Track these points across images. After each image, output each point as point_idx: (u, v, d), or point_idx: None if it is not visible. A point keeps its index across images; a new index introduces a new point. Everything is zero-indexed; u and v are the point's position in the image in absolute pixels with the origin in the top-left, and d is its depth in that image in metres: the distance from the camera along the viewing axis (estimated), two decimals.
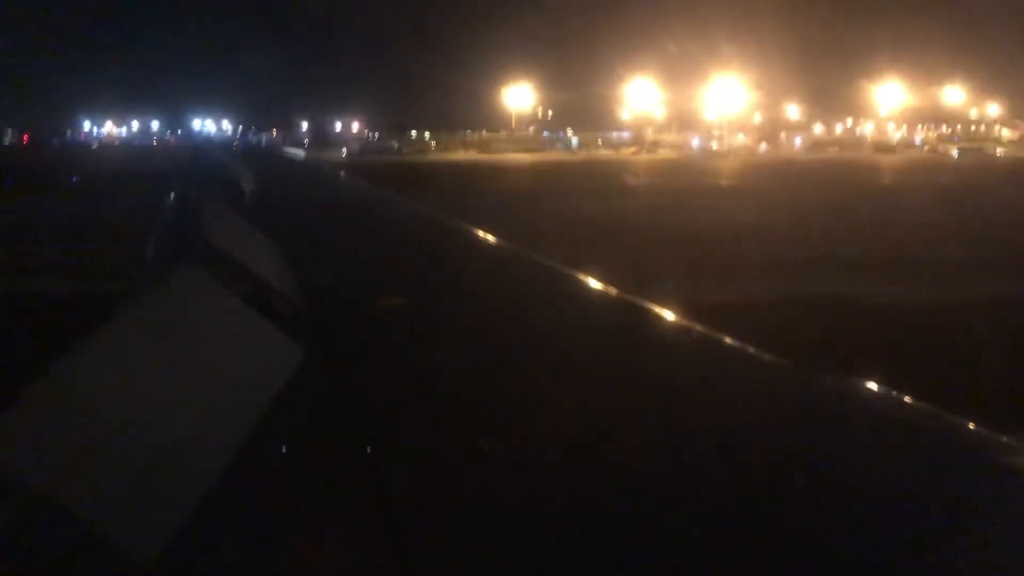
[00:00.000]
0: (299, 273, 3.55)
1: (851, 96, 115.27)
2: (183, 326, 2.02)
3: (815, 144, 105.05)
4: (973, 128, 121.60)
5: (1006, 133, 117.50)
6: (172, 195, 6.26)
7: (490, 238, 5.24)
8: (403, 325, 3.03)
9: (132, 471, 1.52)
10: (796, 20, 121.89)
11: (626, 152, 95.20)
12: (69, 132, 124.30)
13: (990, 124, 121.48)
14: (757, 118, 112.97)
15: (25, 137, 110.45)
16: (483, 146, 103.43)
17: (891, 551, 1.38)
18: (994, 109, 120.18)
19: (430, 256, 4.97)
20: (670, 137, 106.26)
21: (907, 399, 2.14)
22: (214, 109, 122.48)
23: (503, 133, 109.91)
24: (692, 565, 1.36)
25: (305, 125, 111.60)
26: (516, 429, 1.96)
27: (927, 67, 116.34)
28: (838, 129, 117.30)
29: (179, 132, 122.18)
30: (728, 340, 2.74)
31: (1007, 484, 1.69)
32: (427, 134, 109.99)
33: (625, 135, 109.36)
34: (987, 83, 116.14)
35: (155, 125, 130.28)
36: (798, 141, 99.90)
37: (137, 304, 2.38)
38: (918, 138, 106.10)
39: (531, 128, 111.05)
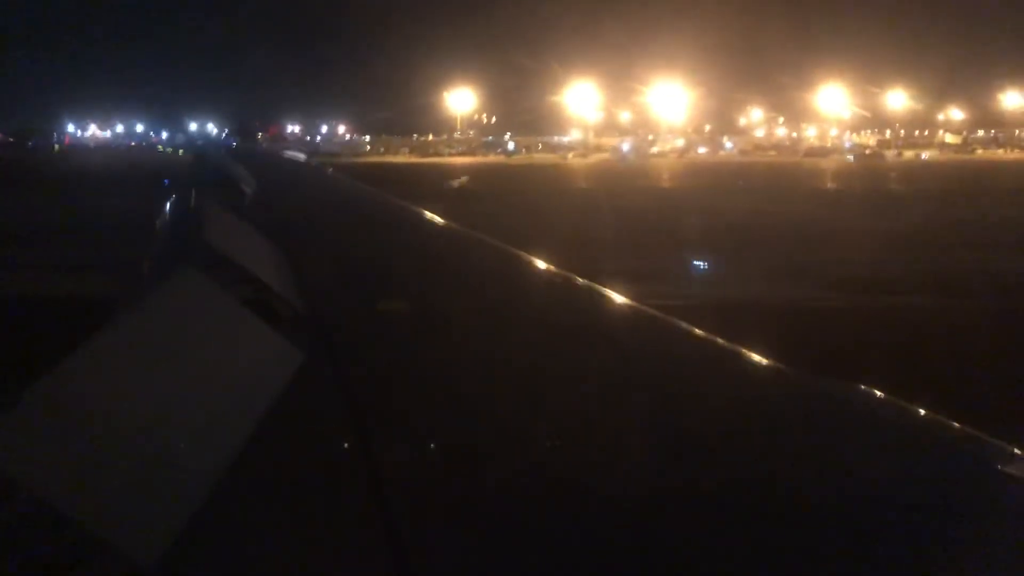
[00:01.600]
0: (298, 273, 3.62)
1: (799, 102, 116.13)
2: (183, 328, 2.03)
3: (756, 148, 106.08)
4: (917, 133, 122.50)
5: (949, 138, 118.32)
6: (172, 197, 6.27)
7: (493, 241, 5.10)
8: (404, 327, 3.00)
9: (132, 474, 1.53)
10: (745, 26, 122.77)
11: (560, 156, 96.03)
12: (56, 134, 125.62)
13: (934, 129, 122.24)
14: (707, 123, 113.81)
15: None
16: (423, 149, 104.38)
17: (883, 554, 1.39)
18: (957, 114, 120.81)
19: (423, 255, 4.94)
20: (612, 141, 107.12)
21: (896, 401, 2.14)
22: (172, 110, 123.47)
23: (443, 137, 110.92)
24: (685, 562, 1.38)
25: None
26: (519, 430, 1.97)
27: (876, 73, 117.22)
28: (781, 133, 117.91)
29: (162, 135, 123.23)
30: (706, 335, 2.79)
31: (1005, 491, 1.69)
32: (367, 137, 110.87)
33: (566, 140, 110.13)
34: (936, 90, 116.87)
35: (139, 128, 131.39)
36: (729, 145, 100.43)
37: (137, 306, 2.42)
38: (848, 143, 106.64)
39: (471, 132, 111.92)
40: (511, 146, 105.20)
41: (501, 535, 1.46)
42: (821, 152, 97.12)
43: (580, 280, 3.75)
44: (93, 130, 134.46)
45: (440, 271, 4.29)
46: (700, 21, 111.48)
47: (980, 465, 1.80)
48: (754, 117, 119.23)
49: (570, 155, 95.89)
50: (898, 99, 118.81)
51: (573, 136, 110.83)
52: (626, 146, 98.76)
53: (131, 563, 1.34)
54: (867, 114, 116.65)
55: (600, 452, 1.83)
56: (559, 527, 1.47)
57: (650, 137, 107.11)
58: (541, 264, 4.26)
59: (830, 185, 51.22)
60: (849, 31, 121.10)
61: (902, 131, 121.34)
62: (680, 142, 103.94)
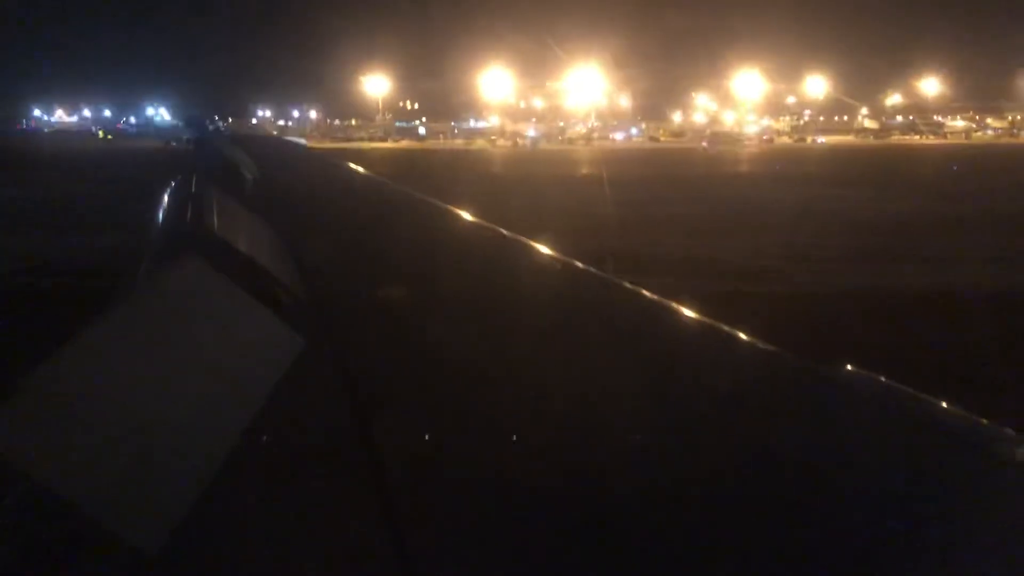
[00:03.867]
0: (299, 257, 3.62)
1: (721, 88, 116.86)
2: (182, 315, 2.02)
3: (670, 134, 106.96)
4: (837, 118, 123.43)
5: (868, 124, 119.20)
6: (172, 183, 6.15)
7: (494, 226, 5.01)
8: (406, 313, 3.01)
9: (132, 462, 1.52)
10: (669, 14, 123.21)
11: (467, 143, 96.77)
12: (24, 120, 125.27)
13: (854, 115, 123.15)
14: (628, 110, 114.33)
15: None
16: (333, 134, 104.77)
17: (880, 539, 1.40)
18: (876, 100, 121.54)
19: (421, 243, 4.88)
20: (544, 128, 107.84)
21: (891, 383, 2.14)
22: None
23: (355, 122, 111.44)
24: (682, 547, 1.40)
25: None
26: (520, 414, 1.99)
27: (800, 60, 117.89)
28: (700, 119, 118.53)
29: (130, 119, 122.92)
30: (699, 317, 2.81)
31: (1001, 473, 1.69)
32: (282, 121, 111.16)
33: (482, 125, 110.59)
34: (858, 77, 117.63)
35: (107, 113, 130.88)
36: (635, 131, 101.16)
37: (136, 293, 2.42)
38: (755, 128, 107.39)
39: (387, 116, 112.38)
40: (422, 131, 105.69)
41: (501, 520, 1.47)
42: (725, 139, 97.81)
43: (579, 264, 3.75)
44: (60, 115, 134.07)
45: (441, 256, 4.29)
46: (623, 8, 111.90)
47: (976, 448, 1.80)
48: (674, 104, 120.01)
49: (481, 141, 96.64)
50: (819, 86, 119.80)
51: (492, 122, 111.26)
52: (532, 132, 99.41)
53: (132, 550, 1.34)
54: (786, 101, 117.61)
55: (600, 438, 1.84)
56: (559, 510, 1.49)
57: (561, 124, 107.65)
58: (540, 249, 4.22)
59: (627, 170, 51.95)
60: (775, 18, 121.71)
61: (821, 117, 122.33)
62: (581, 128, 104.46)
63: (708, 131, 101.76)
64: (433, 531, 1.44)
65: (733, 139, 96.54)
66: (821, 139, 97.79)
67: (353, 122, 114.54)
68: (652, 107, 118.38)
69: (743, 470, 1.67)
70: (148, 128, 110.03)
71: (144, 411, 1.64)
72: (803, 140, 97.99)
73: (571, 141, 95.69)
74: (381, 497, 1.56)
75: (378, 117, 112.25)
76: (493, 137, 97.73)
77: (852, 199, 30.37)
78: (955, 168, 51.17)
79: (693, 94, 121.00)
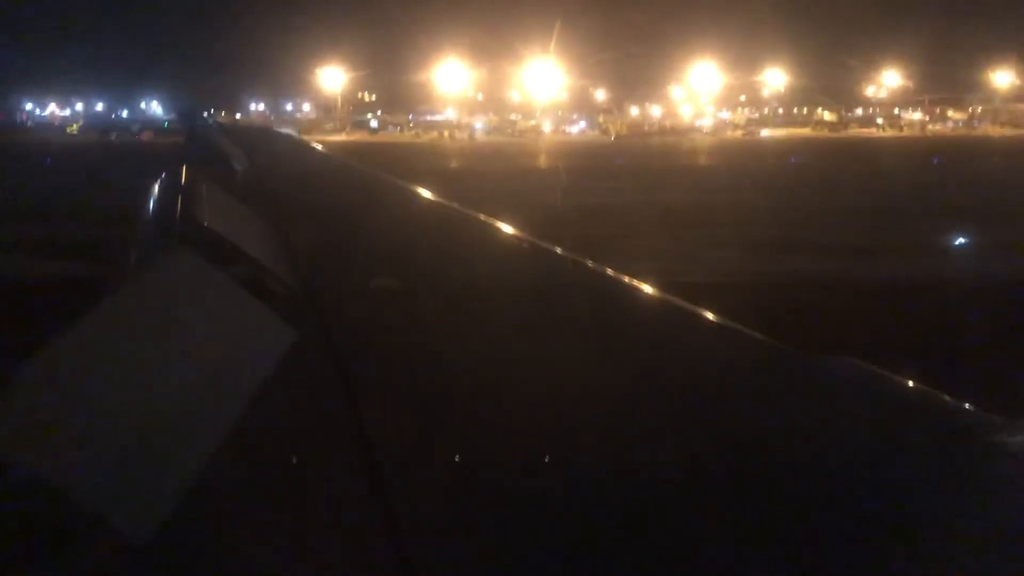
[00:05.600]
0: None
1: (675, 81, 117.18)
2: (174, 307, 2.01)
3: (628, 126, 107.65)
4: (796, 111, 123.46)
5: (827, 116, 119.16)
6: (163, 174, 6.20)
7: (488, 220, 5.03)
8: (399, 304, 2.99)
9: (125, 453, 1.51)
10: (624, 5, 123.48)
11: (414, 135, 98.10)
12: (18, 113, 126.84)
13: (812, 107, 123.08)
14: (587, 102, 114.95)
15: None
16: (292, 127, 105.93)
17: (867, 523, 1.41)
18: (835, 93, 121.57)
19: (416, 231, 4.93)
20: (492, 120, 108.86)
21: (882, 372, 2.15)
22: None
23: (313, 115, 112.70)
24: (675, 537, 1.39)
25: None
26: (513, 404, 1.98)
27: (759, 53, 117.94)
28: (657, 112, 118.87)
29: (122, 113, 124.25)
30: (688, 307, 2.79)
31: (988, 459, 1.69)
32: (238, 114, 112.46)
33: (439, 118, 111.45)
34: (817, 71, 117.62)
35: (99, 107, 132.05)
36: (583, 124, 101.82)
37: (129, 285, 2.41)
38: (701, 121, 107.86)
39: (349, 108, 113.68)
40: (374, 124, 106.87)
41: (494, 509, 1.47)
42: (672, 131, 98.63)
43: (573, 256, 3.76)
44: (52, 109, 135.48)
45: (433, 247, 4.28)
46: (587, 1, 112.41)
47: (964, 434, 1.80)
48: (638, 97, 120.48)
49: (435, 134, 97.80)
50: (778, 79, 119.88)
51: (448, 115, 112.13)
52: (479, 124, 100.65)
53: (125, 540, 1.33)
54: (754, 93, 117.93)
55: (594, 428, 1.84)
56: (551, 500, 1.49)
57: (512, 116, 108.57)
58: (533, 240, 4.23)
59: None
60: (739, 12, 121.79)
61: (780, 110, 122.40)
62: (533, 122, 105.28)
63: (658, 124, 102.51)
64: (426, 520, 1.44)
65: (656, 133, 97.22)
66: (765, 132, 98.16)
67: (302, 112, 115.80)
68: (613, 100, 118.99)
69: (732, 457, 1.68)
70: (116, 122, 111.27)
71: (136, 403, 1.64)
72: (751, 134, 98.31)
73: (521, 134, 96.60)
74: (374, 487, 1.56)
75: (337, 110, 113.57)
76: (447, 131, 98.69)
77: (593, 190, 31.61)
78: (792, 160, 52.85)
79: (656, 88, 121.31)
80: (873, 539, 1.37)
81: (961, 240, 20.33)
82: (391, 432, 1.80)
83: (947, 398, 2.00)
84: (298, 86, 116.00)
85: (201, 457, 1.54)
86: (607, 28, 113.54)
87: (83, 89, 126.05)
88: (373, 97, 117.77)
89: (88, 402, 1.58)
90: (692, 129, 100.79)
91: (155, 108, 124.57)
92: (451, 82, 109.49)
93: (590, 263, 3.64)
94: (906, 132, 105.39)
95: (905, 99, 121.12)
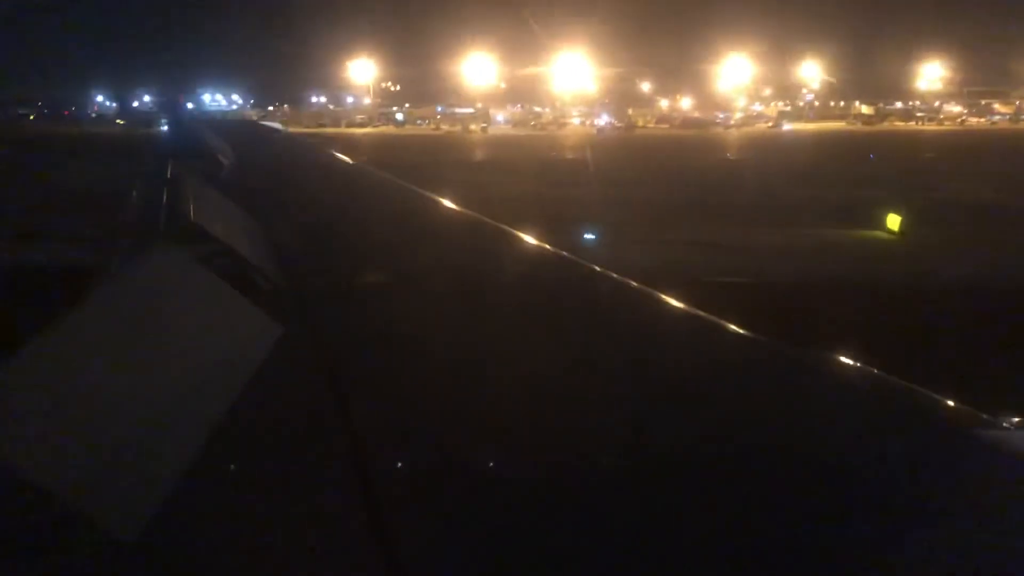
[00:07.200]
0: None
1: (707, 74, 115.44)
2: (160, 302, 1.99)
3: (657, 119, 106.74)
4: (832, 104, 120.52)
5: (865, 109, 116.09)
6: (148, 170, 6.14)
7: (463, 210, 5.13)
8: (384, 299, 3.01)
9: (112, 449, 1.51)
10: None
11: (433, 127, 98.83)
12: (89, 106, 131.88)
13: (849, 101, 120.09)
14: (613, 96, 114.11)
15: None
16: (318, 120, 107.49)
17: (856, 519, 1.41)
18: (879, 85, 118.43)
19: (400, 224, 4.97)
20: (515, 114, 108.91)
21: (869, 369, 2.14)
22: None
23: (338, 109, 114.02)
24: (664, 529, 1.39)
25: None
26: (498, 399, 1.99)
27: (796, 44, 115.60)
28: (685, 105, 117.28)
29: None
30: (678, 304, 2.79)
31: (972, 456, 1.69)
32: (271, 107, 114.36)
33: (467, 111, 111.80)
34: (855, 62, 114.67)
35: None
36: (606, 118, 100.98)
37: (113, 280, 2.44)
38: (726, 114, 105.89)
39: (376, 102, 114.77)
40: (400, 117, 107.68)
41: (481, 502, 1.47)
42: (699, 123, 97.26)
43: (561, 252, 3.76)
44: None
45: (419, 242, 4.30)
46: None
47: (950, 432, 1.82)
48: (669, 90, 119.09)
49: (456, 127, 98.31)
50: (813, 70, 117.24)
51: (478, 107, 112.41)
52: (500, 117, 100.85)
53: (112, 537, 1.33)
54: (775, 86, 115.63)
55: (581, 425, 1.84)
56: (538, 493, 1.51)
57: (537, 109, 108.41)
58: (517, 235, 4.23)
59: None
60: (775, 2, 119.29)
61: (816, 102, 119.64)
62: (555, 115, 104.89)
63: (680, 117, 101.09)
64: (413, 514, 1.44)
65: (703, 124, 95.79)
66: (789, 126, 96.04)
67: (332, 107, 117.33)
68: (641, 92, 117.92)
69: (718, 453, 1.68)
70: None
71: (121, 398, 1.64)
72: (776, 127, 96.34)
73: (544, 127, 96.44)
74: (360, 481, 1.56)
75: (366, 102, 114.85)
76: (460, 125, 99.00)
77: (495, 184, 31.25)
78: (729, 156, 52.47)
79: (689, 81, 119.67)
80: (860, 533, 1.37)
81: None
82: (377, 426, 1.80)
83: (929, 394, 1.99)
84: (326, 79, 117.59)
85: (187, 453, 1.54)
86: (639, 23, 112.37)
87: (149, 83, 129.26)
88: (399, 88, 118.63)
89: (73, 398, 1.58)
90: (714, 123, 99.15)
91: (219, 100, 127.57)
92: (478, 75, 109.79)
93: (576, 259, 3.63)
94: (945, 126, 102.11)
95: (949, 92, 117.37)
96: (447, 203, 5.55)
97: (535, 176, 35.32)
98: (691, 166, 43.34)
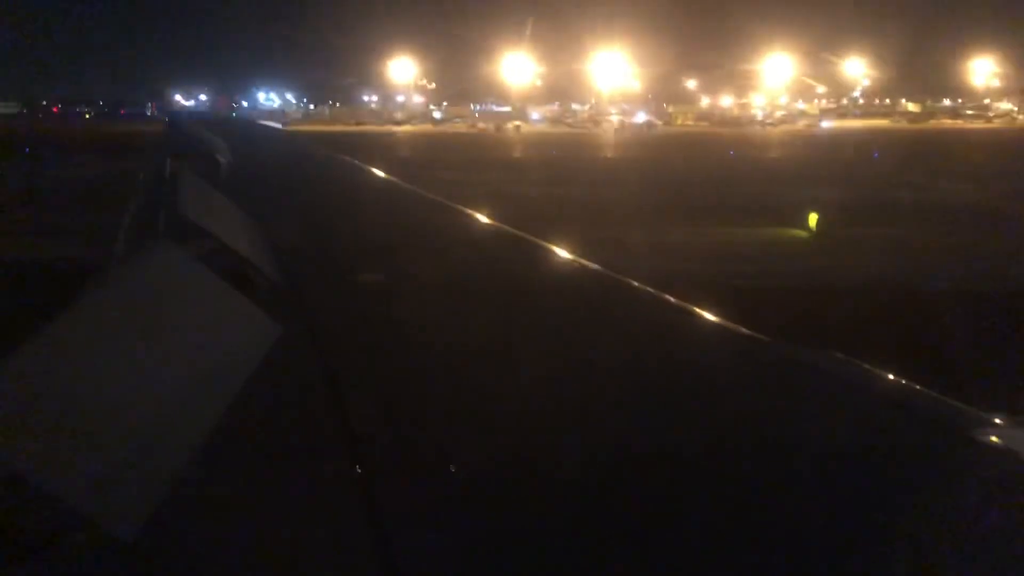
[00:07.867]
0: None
1: (748, 71, 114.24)
2: (158, 301, 1.97)
3: (697, 117, 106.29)
4: (878, 101, 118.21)
5: (911, 107, 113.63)
6: (147, 169, 6.10)
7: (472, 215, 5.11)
8: (382, 298, 3.00)
9: (109, 449, 1.49)
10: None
11: (469, 125, 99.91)
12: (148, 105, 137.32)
13: (895, 98, 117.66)
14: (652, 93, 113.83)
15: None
16: (359, 118, 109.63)
17: (851, 516, 1.41)
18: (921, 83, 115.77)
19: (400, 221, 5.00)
20: (549, 112, 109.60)
21: (865, 367, 2.14)
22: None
23: (375, 106, 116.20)
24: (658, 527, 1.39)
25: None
26: (495, 396, 2.00)
27: (840, 41, 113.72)
28: (726, 103, 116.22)
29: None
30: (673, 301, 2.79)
31: (968, 453, 1.69)
32: (312, 106, 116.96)
33: (505, 109, 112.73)
34: (902, 60, 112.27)
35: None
36: (641, 116, 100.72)
37: (111, 278, 2.44)
38: (759, 112, 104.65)
39: (416, 100, 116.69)
40: (437, 115, 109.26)
41: (479, 502, 1.49)
42: (735, 121, 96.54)
43: (559, 251, 3.78)
44: (178, 99, 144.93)
45: (417, 241, 4.32)
46: None
47: (946, 429, 1.83)
48: (701, 87, 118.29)
49: (490, 126, 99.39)
50: (859, 68, 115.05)
51: (515, 105, 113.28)
52: (535, 115, 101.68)
53: (110, 537, 1.32)
54: (813, 83, 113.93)
55: (578, 423, 1.86)
56: (537, 494, 1.52)
57: (575, 106, 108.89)
58: (516, 234, 4.24)
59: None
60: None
61: (861, 99, 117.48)
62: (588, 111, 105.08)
63: (718, 114, 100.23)
64: (410, 514, 1.45)
65: (740, 122, 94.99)
66: (826, 123, 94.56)
67: (373, 107, 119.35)
68: (684, 90, 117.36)
69: (717, 451, 1.69)
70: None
71: (119, 398, 1.63)
72: (813, 125, 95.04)
73: (581, 124, 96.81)
74: (358, 480, 1.58)
75: (416, 100, 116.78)
76: (494, 123, 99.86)
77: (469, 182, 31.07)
78: (731, 153, 51.45)
79: (731, 78, 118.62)
80: (860, 532, 1.39)
81: None
82: (375, 426, 1.83)
83: (929, 392, 2.02)
84: (370, 78, 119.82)
85: (185, 452, 1.55)
86: (685, 21, 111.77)
87: (210, 82, 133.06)
88: (441, 87, 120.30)
89: (71, 397, 1.57)
90: (753, 120, 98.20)
91: (273, 99, 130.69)
92: (516, 73, 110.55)
93: (576, 259, 3.64)
94: (995, 124, 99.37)
95: (1000, 89, 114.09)
96: (446, 203, 5.61)
97: (515, 174, 36.06)
98: (671, 165, 43.02)
